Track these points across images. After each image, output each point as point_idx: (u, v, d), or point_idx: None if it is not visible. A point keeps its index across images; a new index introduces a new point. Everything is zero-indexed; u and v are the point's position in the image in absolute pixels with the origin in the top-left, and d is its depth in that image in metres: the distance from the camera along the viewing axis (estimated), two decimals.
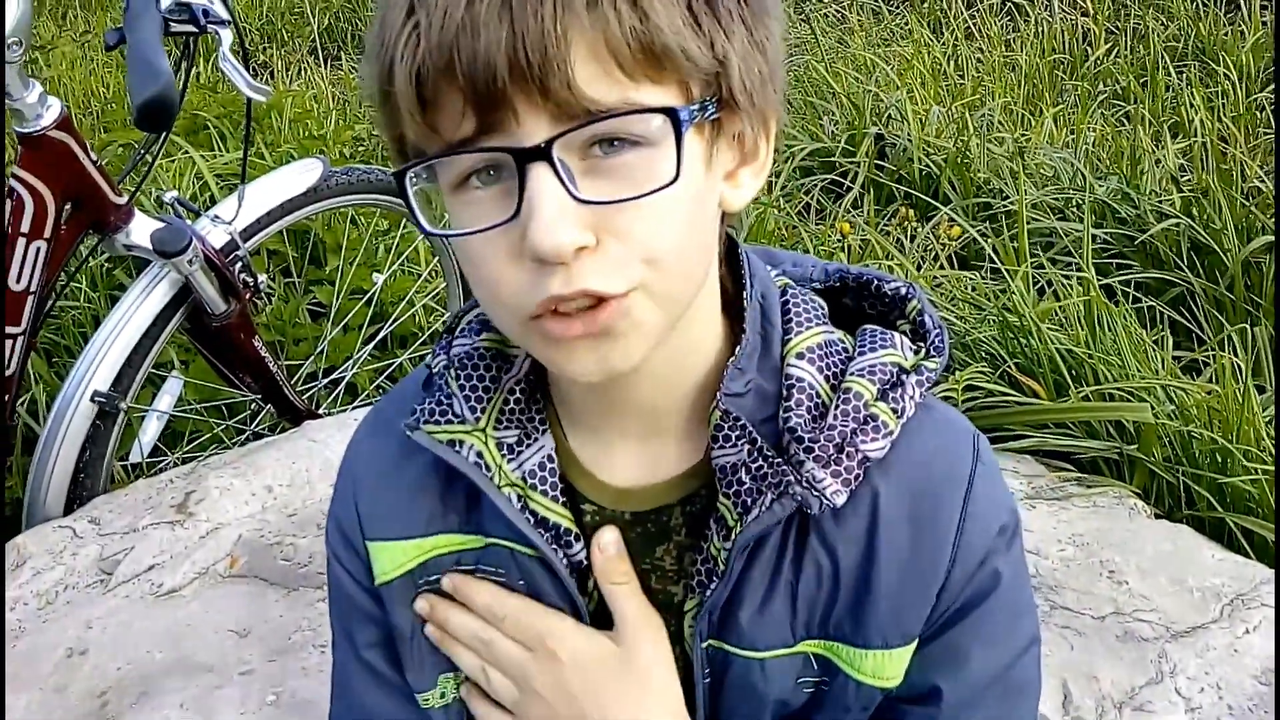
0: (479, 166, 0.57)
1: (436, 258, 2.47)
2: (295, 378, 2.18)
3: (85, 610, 1.42)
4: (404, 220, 2.66)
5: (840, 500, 0.64)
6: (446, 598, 0.73)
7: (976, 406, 1.78)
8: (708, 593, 0.67)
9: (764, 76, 0.60)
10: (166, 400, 1.83)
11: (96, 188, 1.60)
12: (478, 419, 0.69)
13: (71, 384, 1.65)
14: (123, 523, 1.59)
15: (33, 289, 1.56)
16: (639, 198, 0.56)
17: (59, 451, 1.64)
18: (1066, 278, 2.12)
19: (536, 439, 0.70)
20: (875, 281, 0.72)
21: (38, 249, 1.56)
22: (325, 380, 2.27)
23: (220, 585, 1.45)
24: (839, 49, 4.06)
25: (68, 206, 1.58)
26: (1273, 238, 2.38)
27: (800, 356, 0.67)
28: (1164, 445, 1.75)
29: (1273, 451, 1.71)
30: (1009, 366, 1.86)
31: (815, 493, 0.63)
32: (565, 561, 0.69)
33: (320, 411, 2.09)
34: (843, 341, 0.70)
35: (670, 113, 0.55)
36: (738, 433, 0.65)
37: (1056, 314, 2.00)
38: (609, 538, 0.69)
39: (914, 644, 0.69)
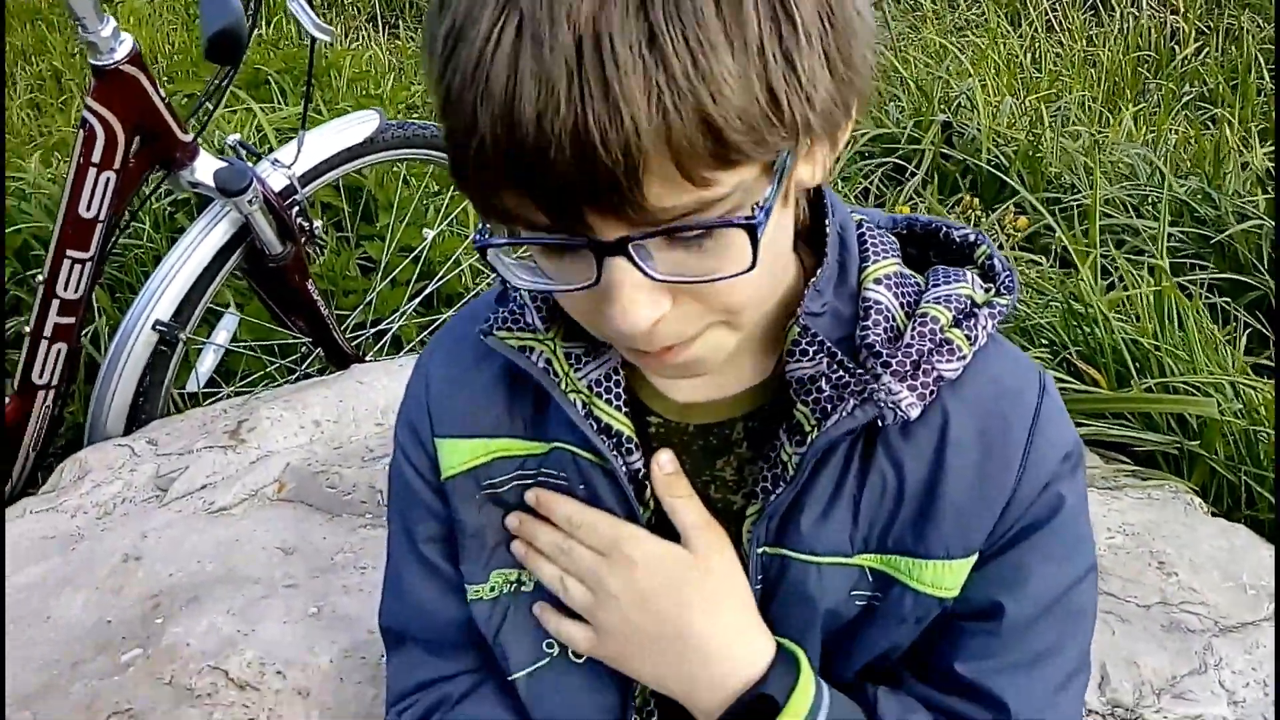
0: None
1: None
2: (343, 326, 2.28)
3: (141, 522, 1.52)
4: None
5: (914, 413, 0.68)
6: (529, 512, 0.78)
7: None
8: (771, 498, 0.72)
9: (850, 89, 0.58)
10: (223, 335, 1.94)
11: (164, 123, 1.70)
12: (548, 329, 0.74)
13: (135, 312, 1.77)
14: (178, 445, 1.69)
15: (101, 218, 1.67)
16: (716, 280, 0.59)
17: (121, 375, 1.76)
18: (1136, 267, 2.14)
19: (604, 353, 0.74)
20: (944, 229, 0.77)
21: (107, 179, 1.66)
22: (372, 330, 2.38)
23: (268, 507, 1.54)
24: (910, 35, 4.09)
25: (136, 140, 1.68)
26: None
27: (878, 282, 0.72)
28: (1227, 443, 1.76)
29: None
30: (1070, 354, 1.89)
31: (890, 405, 0.67)
32: (624, 469, 0.74)
33: (367, 359, 2.19)
34: (915, 277, 0.74)
35: (749, 228, 0.56)
36: (815, 347, 0.70)
37: (1124, 305, 2.02)
38: (665, 456, 0.74)
39: (974, 557, 0.72)
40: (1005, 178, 3.08)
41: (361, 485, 1.57)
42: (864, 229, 0.75)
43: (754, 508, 0.74)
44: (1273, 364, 2.17)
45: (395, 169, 2.82)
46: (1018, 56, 4.00)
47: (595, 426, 0.74)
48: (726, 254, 0.58)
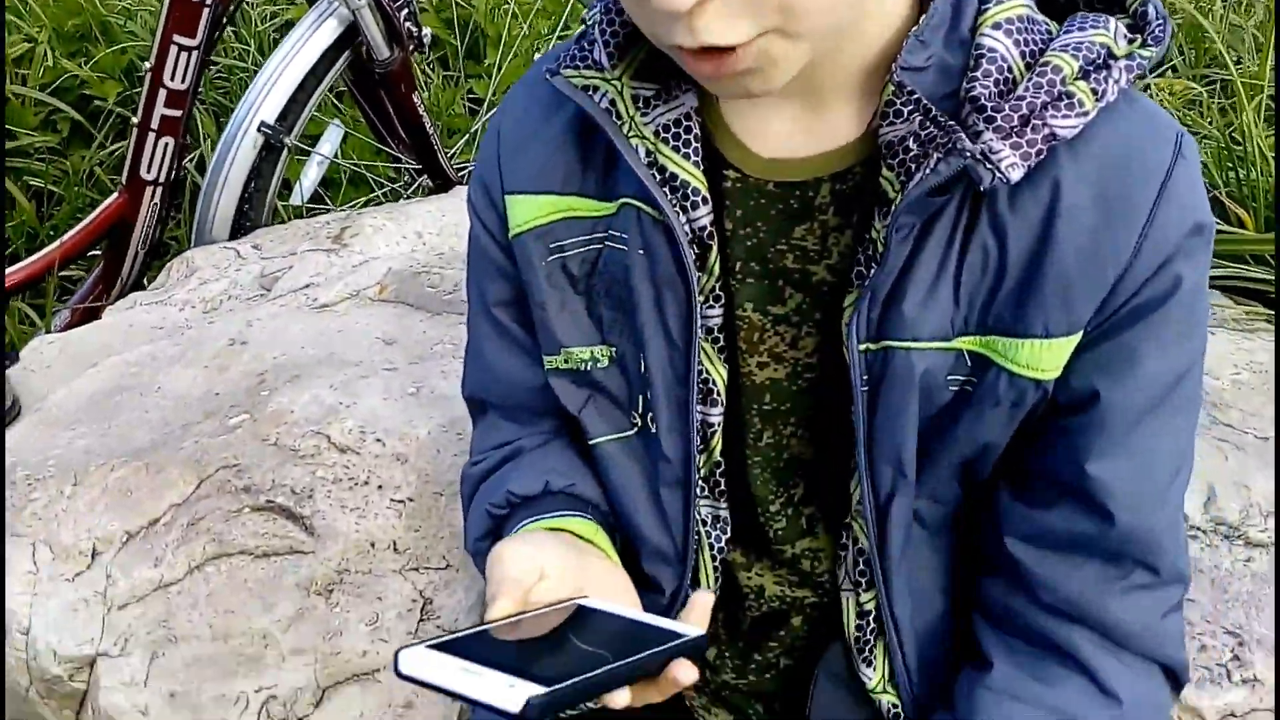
0: None
1: None
2: (449, 155, 2.36)
3: (246, 313, 1.64)
4: (564, 15, 2.80)
5: (1015, 175, 0.63)
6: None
7: None
8: (867, 280, 0.70)
9: None
10: (328, 146, 2.03)
11: None
12: (614, 67, 0.72)
13: (240, 113, 1.87)
14: (283, 249, 1.80)
15: (209, 1, 1.75)
16: None
17: (227, 178, 1.87)
18: None
19: (677, 96, 0.72)
20: None
21: None
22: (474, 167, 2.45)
23: (370, 305, 1.64)
24: None
25: None
26: None
27: (996, 27, 0.66)
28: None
29: None
30: (1220, 193, 1.86)
31: (989, 165, 0.63)
32: (686, 225, 0.72)
33: None
34: (1047, 24, 0.69)
35: None
36: (910, 107, 0.66)
37: None
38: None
39: (1077, 336, 0.69)
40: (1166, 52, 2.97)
41: (463, 284, 1.65)
42: None
43: (850, 297, 0.72)
44: None
45: (506, 4, 2.87)
46: None
47: (658, 177, 0.72)
48: None
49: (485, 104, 2.59)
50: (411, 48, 1.94)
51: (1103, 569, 0.74)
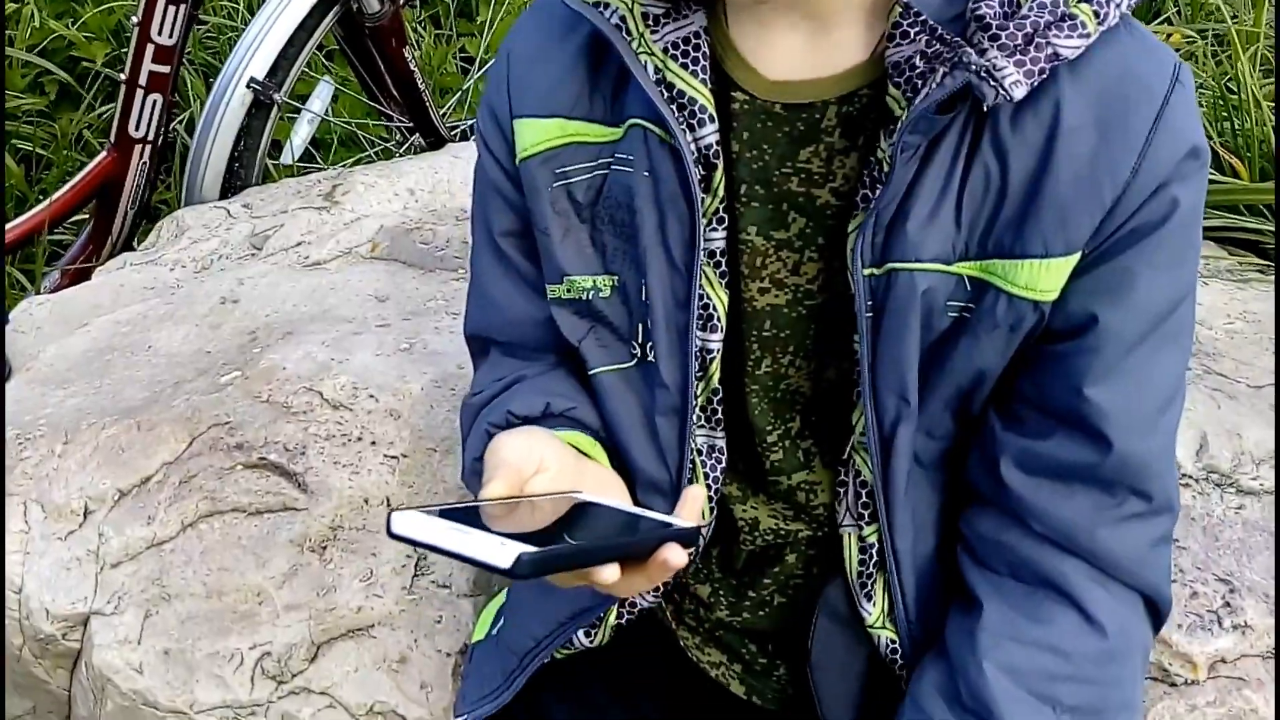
0: None
1: None
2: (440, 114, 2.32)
3: (238, 271, 1.61)
4: None
5: (1018, 93, 0.64)
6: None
7: None
8: (872, 203, 0.69)
9: None
10: (318, 103, 1.99)
11: None
12: None
13: (229, 69, 1.82)
14: (274, 207, 1.77)
15: None
16: None
17: (216, 135, 1.83)
18: None
19: (686, 15, 0.72)
20: None
21: None
22: (467, 124, 2.41)
23: (362, 263, 1.61)
24: None
25: None
26: None
27: None
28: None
29: None
30: (1215, 144, 1.83)
31: (994, 82, 0.63)
32: (692, 144, 0.72)
33: None
34: None
35: None
36: (917, 28, 0.66)
37: None
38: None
39: (1075, 257, 0.69)
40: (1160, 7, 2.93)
41: (455, 240, 1.62)
42: None
43: (855, 220, 0.72)
44: None
45: None
46: None
47: (666, 94, 0.72)
48: None
49: (477, 63, 2.54)
50: (403, 1, 1.89)
51: (1098, 497, 0.74)
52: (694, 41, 0.72)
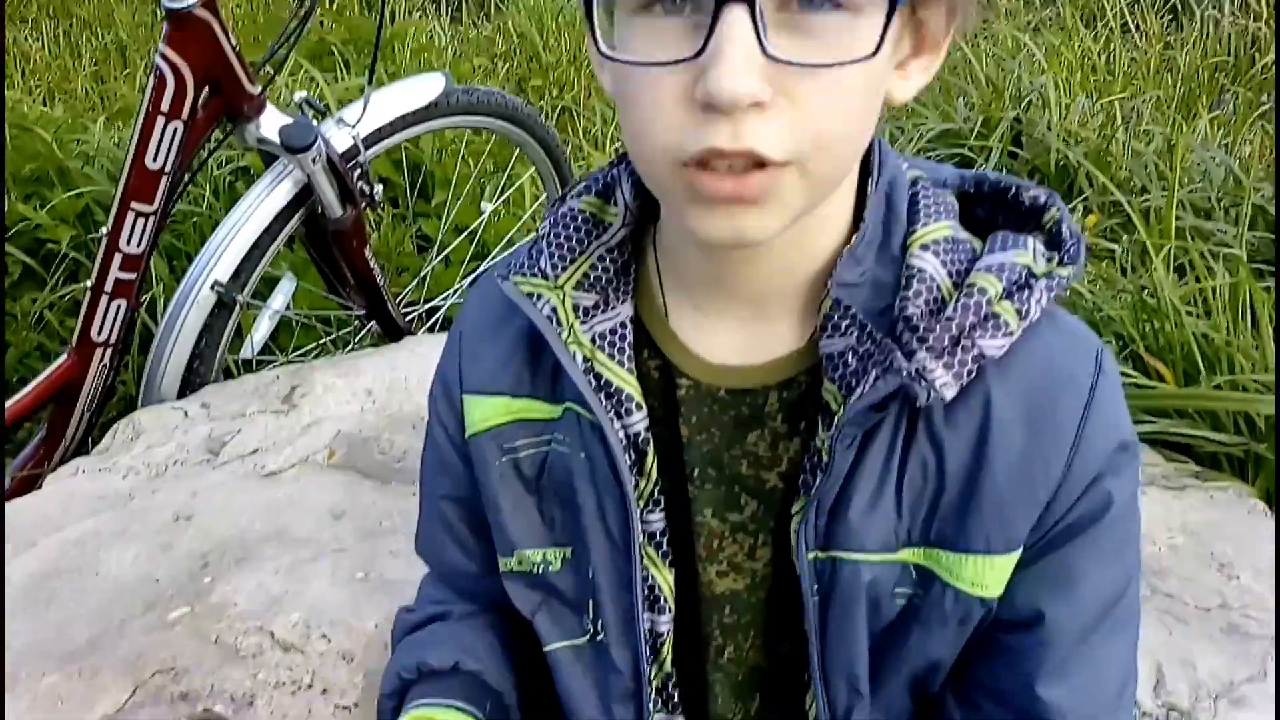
0: None
1: (543, 195, 2.57)
2: (397, 302, 2.30)
3: (193, 482, 1.54)
4: (512, 160, 2.77)
5: (949, 394, 0.64)
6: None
7: None
8: (813, 490, 0.68)
9: None
10: (280, 299, 1.96)
11: (234, 73, 1.69)
12: (558, 277, 0.72)
13: (194, 272, 1.78)
14: (232, 408, 1.72)
15: (167, 169, 1.68)
16: (833, 65, 0.55)
17: (178, 336, 1.78)
18: (1212, 255, 2.08)
19: (615, 307, 0.72)
20: (1014, 188, 0.72)
21: (175, 129, 1.66)
22: (425, 307, 2.39)
23: (319, 472, 1.56)
24: (983, 28, 4.04)
25: (206, 89, 1.67)
26: None
27: (925, 248, 0.67)
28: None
29: None
30: (1138, 348, 1.85)
31: (924, 383, 0.63)
32: (621, 431, 0.71)
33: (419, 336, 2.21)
34: (970, 242, 0.69)
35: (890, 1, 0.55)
36: (848, 321, 0.66)
37: (1196, 301, 1.98)
38: None
39: (1017, 553, 0.68)
40: (1073, 179, 3.03)
41: (412, 452, 1.58)
42: (919, 187, 0.70)
43: (798, 504, 0.70)
44: None
45: (454, 145, 2.84)
46: (1091, 57, 3.93)
47: (595, 383, 0.71)
48: (847, 44, 0.55)
49: (436, 245, 2.54)
50: (364, 205, 1.88)
51: None
52: (620, 332, 0.72)
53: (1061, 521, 0.68)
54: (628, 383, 0.71)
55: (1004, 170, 3.09)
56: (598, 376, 0.71)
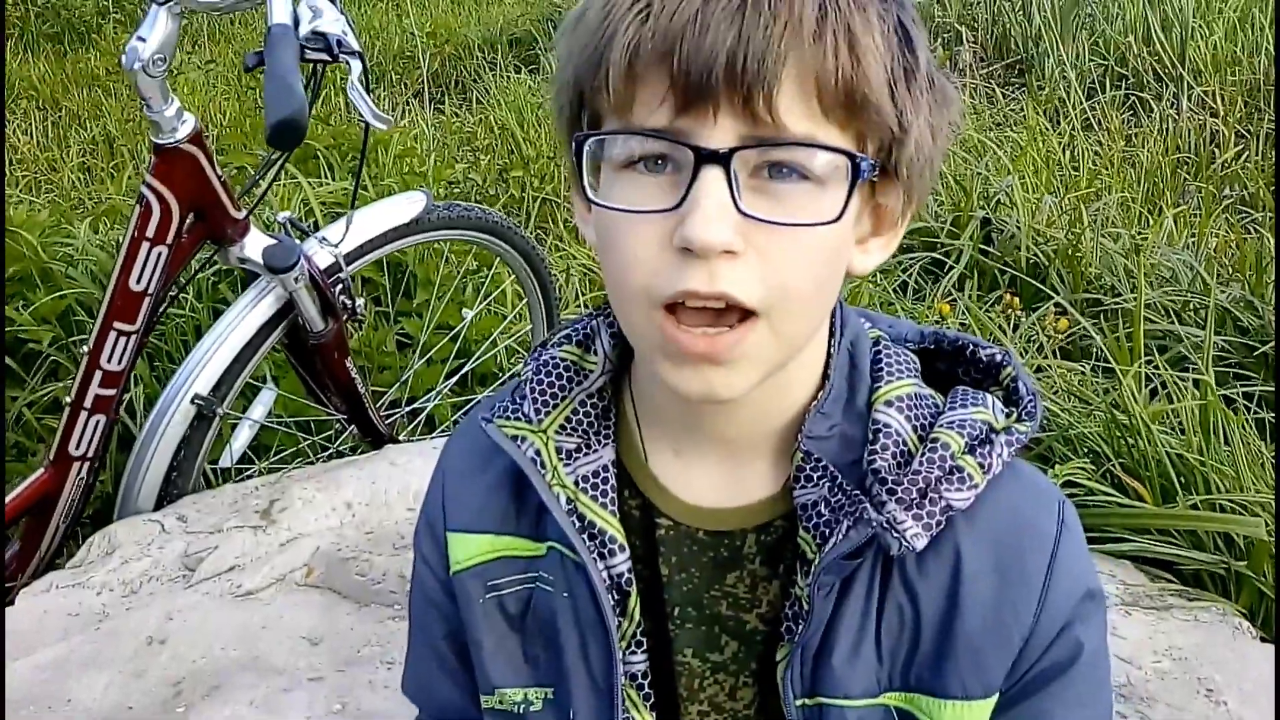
0: (653, 154, 0.61)
1: (524, 300, 2.57)
2: (379, 403, 2.28)
3: (167, 602, 1.50)
4: (495, 262, 2.78)
5: (920, 544, 0.66)
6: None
7: (1076, 504, 1.76)
8: (796, 636, 0.69)
9: (927, 160, 0.65)
10: (260, 410, 1.94)
11: (219, 201, 1.72)
12: (541, 421, 0.74)
13: (174, 385, 1.77)
14: (209, 522, 1.68)
15: (150, 291, 1.68)
16: (798, 225, 0.60)
17: (156, 448, 1.75)
18: (1182, 379, 2.11)
19: (596, 450, 0.74)
20: (971, 346, 0.75)
21: (159, 254, 1.67)
22: (407, 409, 2.37)
23: (296, 593, 1.52)
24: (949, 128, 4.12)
25: (190, 216, 1.70)
26: None
27: (889, 404, 0.70)
28: (1276, 564, 1.71)
29: None
30: (1113, 466, 1.85)
31: (895, 533, 0.65)
32: (605, 572, 0.72)
33: (400, 438, 2.18)
34: (933, 398, 0.72)
35: (853, 158, 0.61)
36: (820, 473, 0.69)
37: (1168, 417, 1.99)
38: None
39: (994, 699, 0.69)
40: (1044, 276, 3.07)
41: (391, 574, 1.55)
42: (880, 346, 0.73)
43: (783, 651, 0.71)
44: None
45: (437, 246, 2.84)
46: (1056, 154, 4.01)
47: (578, 525, 0.72)
48: (810, 210, 0.60)
49: (418, 346, 2.52)
50: (345, 318, 1.88)
51: None
52: (603, 475, 0.73)
53: (1034, 668, 0.69)
54: (610, 524, 0.72)
55: (975, 271, 3.13)
56: (581, 518, 0.72)
